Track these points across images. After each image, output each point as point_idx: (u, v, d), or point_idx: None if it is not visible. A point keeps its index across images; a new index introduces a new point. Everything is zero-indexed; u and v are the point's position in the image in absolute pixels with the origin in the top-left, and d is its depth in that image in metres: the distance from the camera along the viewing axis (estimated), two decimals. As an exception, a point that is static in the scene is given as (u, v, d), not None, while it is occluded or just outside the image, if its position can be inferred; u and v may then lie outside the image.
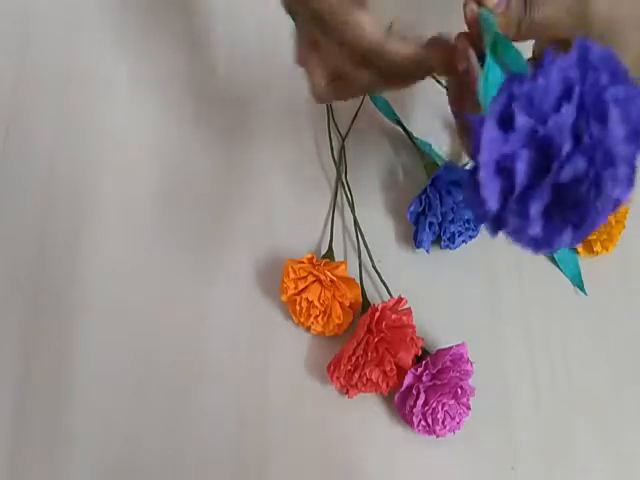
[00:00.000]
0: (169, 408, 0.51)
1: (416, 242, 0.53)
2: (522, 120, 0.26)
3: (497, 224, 0.27)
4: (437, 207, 0.52)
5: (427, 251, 0.53)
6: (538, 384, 0.52)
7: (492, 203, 0.26)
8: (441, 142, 0.57)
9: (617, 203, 0.26)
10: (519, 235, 0.27)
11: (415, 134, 0.57)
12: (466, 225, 0.53)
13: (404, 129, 0.57)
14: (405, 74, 0.41)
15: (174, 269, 0.54)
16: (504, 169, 0.26)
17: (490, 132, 0.26)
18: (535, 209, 0.26)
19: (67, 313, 0.53)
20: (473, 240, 0.54)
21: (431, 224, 0.52)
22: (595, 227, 0.27)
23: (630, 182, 0.26)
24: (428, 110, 0.58)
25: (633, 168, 0.26)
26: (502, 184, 0.26)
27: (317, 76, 0.44)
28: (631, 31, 0.38)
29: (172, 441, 0.50)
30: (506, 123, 0.26)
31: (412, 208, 0.53)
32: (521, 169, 0.26)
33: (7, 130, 0.57)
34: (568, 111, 0.26)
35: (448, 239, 0.53)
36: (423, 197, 0.52)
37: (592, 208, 0.26)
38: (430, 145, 0.57)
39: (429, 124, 0.58)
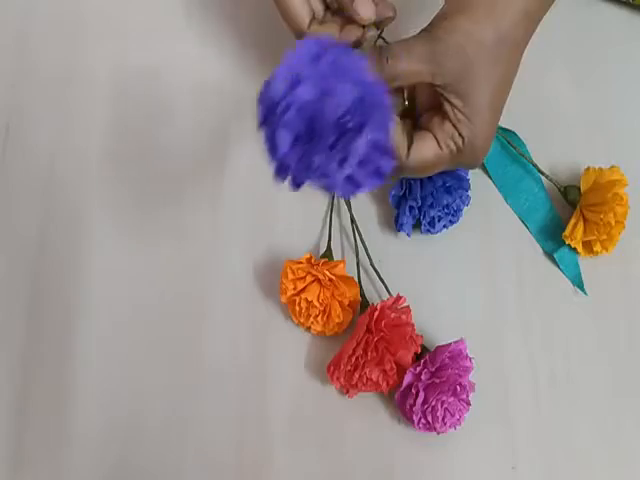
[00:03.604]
0: (169, 409, 0.51)
1: (397, 226, 0.54)
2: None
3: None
4: (417, 191, 0.52)
5: (408, 235, 0.54)
6: (538, 384, 0.52)
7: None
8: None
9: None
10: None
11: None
12: (445, 210, 0.53)
13: None
14: None
15: (173, 270, 0.54)
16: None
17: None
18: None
19: (67, 313, 0.53)
20: (473, 239, 0.55)
21: (411, 208, 0.53)
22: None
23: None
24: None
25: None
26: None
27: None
28: (483, 66, 0.43)
29: (172, 441, 0.50)
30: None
31: (393, 192, 0.53)
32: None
33: (7, 130, 0.57)
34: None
35: (428, 223, 0.53)
36: (404, 181, 0.53)
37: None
38: None
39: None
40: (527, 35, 0.45)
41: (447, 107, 0.44)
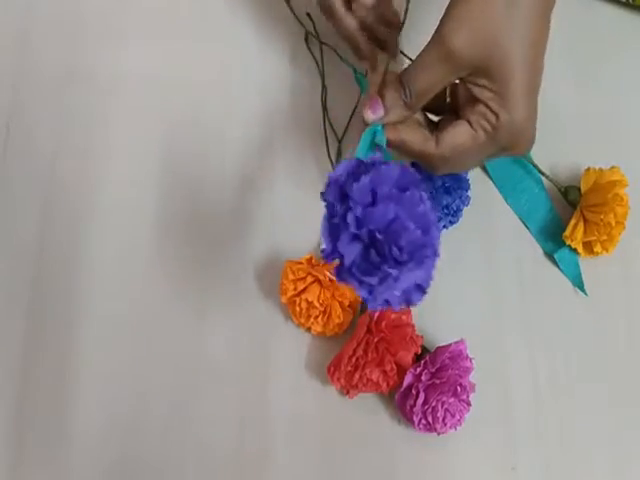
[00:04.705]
0: (169, 408, 0.51)
1: None
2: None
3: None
4: None
5: None
6: (538, 384, 0.52)
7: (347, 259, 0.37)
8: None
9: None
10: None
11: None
12: (445, 211, 0.53)
13: None
14: None
15: (174, 271, 0.54)
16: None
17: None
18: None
19: (68, 313, 0.53)
20: (473, 239, 0.55)
21: None
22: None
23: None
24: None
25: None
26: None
27: None
28: (502, 37, 0.41)
29: (172, 441, 0.50)
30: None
31: None
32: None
33: (7, 130, 0.57)
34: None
35: None
36: None
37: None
38: None
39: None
40: None
41: (476, 90, 0.43)
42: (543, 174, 0.56)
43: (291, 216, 0.56)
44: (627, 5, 0.63)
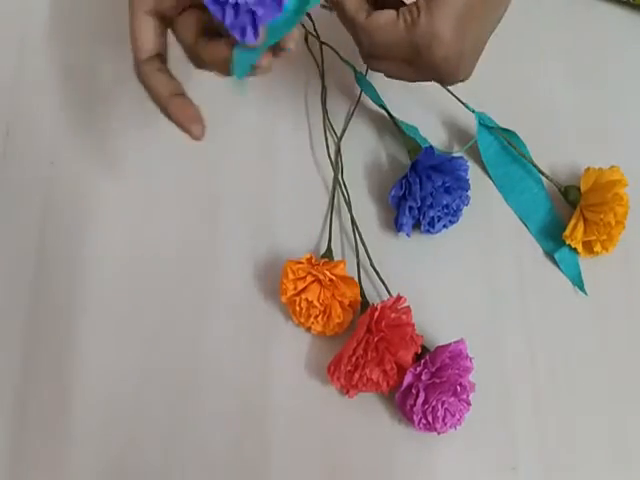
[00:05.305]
0: (169, 408, 0.51)
1: (397, 226, 0.54)
2: None
3: None
4: (417, 191, 0.52)
5: (408, 235, 0.54)
6: (538, 384, 0.52)
7: None
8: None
9: None
10: None
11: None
12: (445, 210, 0.53)
13: (388, 114, 0.57)
14: None
15: (174, 270, 0.54)
16: None
17: None
18: None
19: (68, 313, 0.53)
20: (473, 239, 0.55)
21: (411, 208, 0.53)
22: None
23: None
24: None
25: None
26: None
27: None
28: None
29: (172, 441, 0.50)
30: None
31: (393, 192, 0.53)
32: None
33: (7, 130, 0.57)
34: None
35: (428, 224, 0.53)
36: (404, 181, 0.53)
37: None
38: (416, 128, 0.57)
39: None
40: None
41: None
42: (543, 174, 0.56)
43: (291, 216, 0.56)
44: (627, 5, 0.63)
